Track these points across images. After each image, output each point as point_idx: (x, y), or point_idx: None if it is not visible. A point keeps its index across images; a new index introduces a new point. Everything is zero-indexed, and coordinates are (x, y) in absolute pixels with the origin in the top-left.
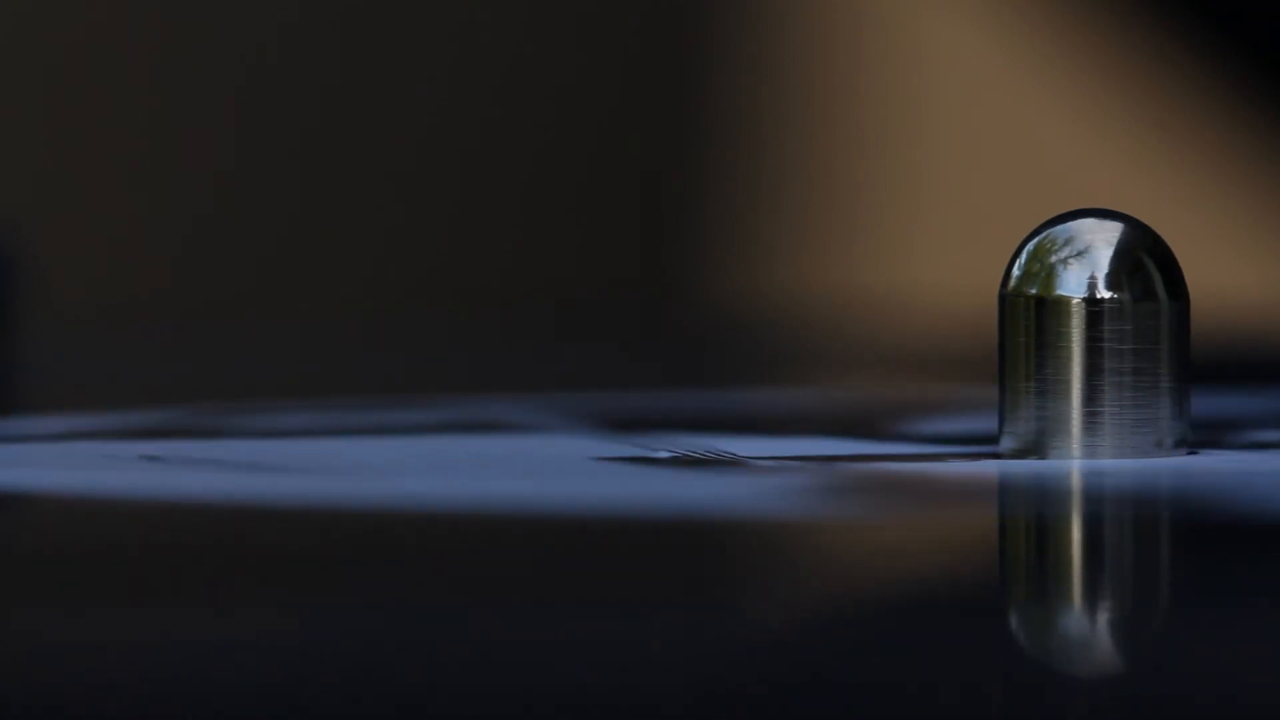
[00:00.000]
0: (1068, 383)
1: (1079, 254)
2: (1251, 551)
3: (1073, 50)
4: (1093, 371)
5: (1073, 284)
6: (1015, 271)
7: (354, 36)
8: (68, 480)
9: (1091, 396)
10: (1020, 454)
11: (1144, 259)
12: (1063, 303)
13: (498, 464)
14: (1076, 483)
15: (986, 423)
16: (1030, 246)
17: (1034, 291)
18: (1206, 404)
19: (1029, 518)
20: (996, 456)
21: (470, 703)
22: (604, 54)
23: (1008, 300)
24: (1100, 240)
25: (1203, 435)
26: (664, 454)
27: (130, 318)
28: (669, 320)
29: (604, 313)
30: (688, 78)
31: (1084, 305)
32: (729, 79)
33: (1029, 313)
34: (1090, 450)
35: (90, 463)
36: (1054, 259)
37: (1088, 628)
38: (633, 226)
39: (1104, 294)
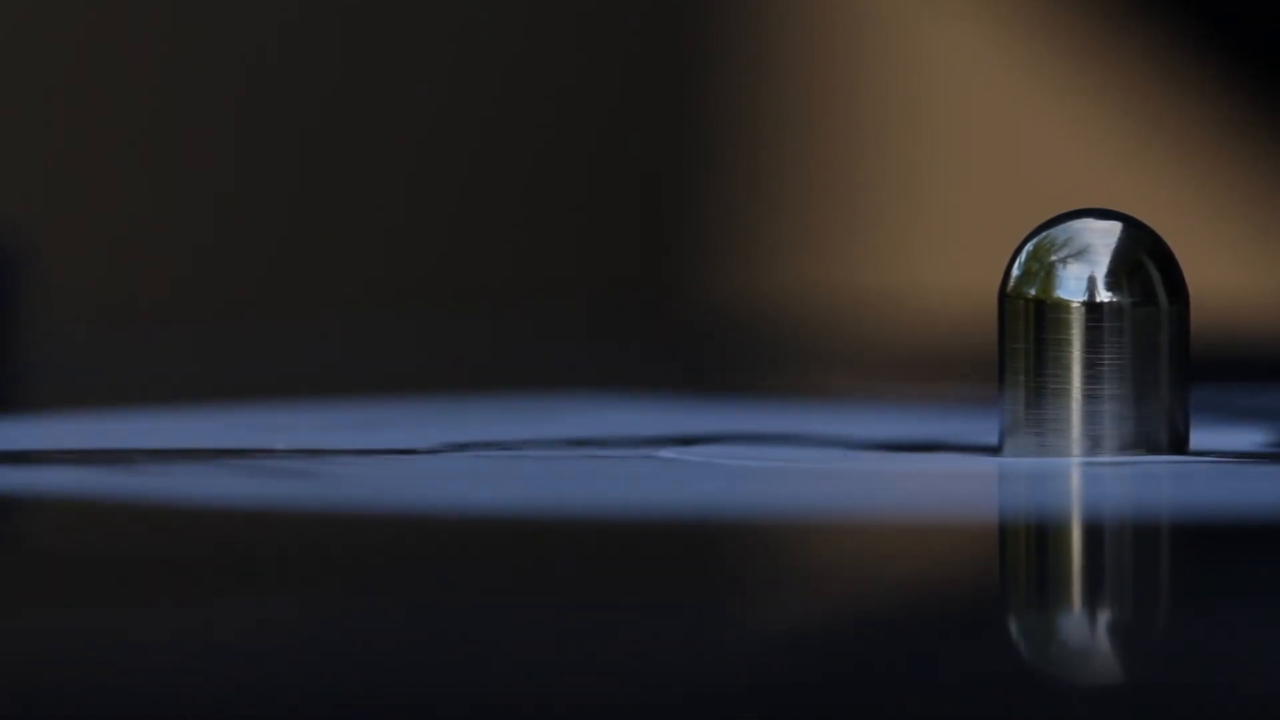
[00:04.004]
0: (1068, 383)
1: (1078, 254)
2: (1249, 552)
3: (1071, 52)
4: (1092, 371)
5: (1072, 284)
6: (1015, 272)
7: (354, 36)
8: (69, 481)
9: (1091, 397)
10: (1021, 454)
11: (1144, 259)
12: (1062, 303)
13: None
14: (1076, 484)
15: (986, 423)
16: (1030, 247)
17: (1033, 292)
18: (1206, 403)
19: (1028, 520)
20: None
21: (472, 703)
22: (604, 54)
23: (1007, 300)
24: (1100, 240)
25: (1202, 435)
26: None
27: (131, 318)
28: (669, 320)
29: (604, 313)
30: (688, 78)
31: (1083, 306)
32: (729, 79)
33: (1028, 313)
34: (1090, 451)
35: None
36: (1053, 259)
37: (1087, 630)
38: (633, 226)
39: (1103, 294)
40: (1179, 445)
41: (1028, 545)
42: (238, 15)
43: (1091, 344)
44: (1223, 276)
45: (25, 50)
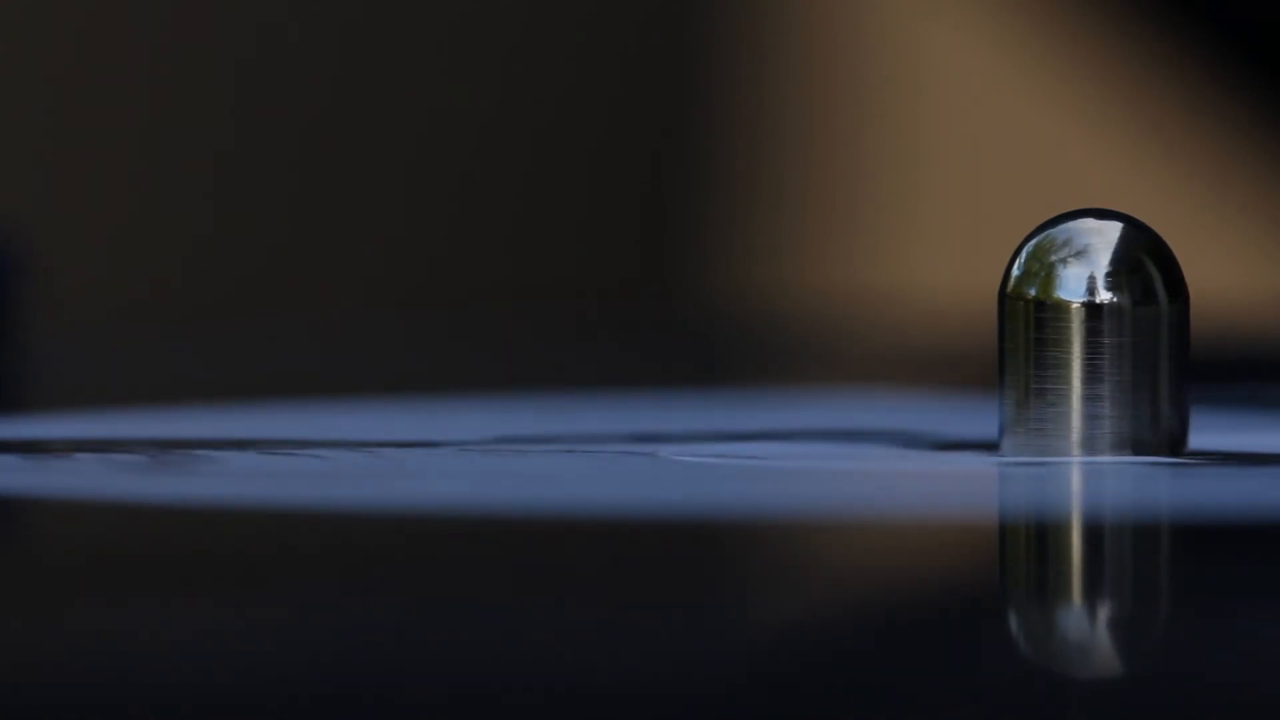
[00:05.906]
0: (1067, 383)
1: (1078, 254)
2: (1249, 552)
3: (1072, 52)
4: (1092, 372)
5: (1072, 284)
6: (1015, 272)
7: (353, 36)
8: (74, 482)
9: (1091, 397)
10: (1020, 455)
11: (1144, 259)
12: (1062, 303)
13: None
14: (1075, 484)
15: (986, 423)
16: (1030, 247)
17: (1033, 292)
18: (1207, 404)
19: (1028, 519)
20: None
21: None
22: (604, 54)
23: (1007, 300)
24: (1100, 240)
25: (1202, 435)
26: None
27: (131, 318)
28: (670, 320)
29: (604, 312)
30: (687, 78)
31: (1083, 306)
32: (729, 79)
33: (1028, 313)
34: (1090, 451)
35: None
36: (1054, 259)
37: (1087, 630)
38: (633, 226)
39: (1103, 294)
40: (1177, 446)
41: (1027, 545)
42: (239, 15)
43: (1091, 344)
44: (1223, 276)
45: (25, 50)
